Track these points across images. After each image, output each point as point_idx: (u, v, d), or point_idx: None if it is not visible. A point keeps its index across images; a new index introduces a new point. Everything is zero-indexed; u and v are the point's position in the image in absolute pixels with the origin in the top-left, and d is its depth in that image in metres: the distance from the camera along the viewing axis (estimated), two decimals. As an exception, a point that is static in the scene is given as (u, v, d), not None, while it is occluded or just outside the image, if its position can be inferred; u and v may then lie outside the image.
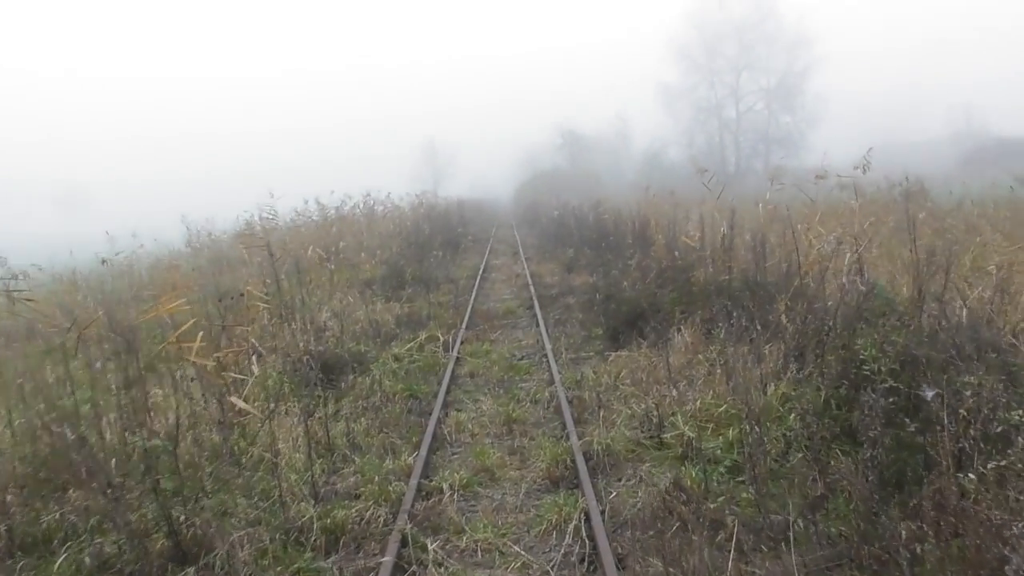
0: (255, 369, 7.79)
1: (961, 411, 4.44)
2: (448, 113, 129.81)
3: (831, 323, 6.78)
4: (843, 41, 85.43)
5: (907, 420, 4.73)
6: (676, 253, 12.78)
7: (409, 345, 10.91)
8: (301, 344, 9.31)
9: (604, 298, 12.09)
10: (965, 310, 6.39)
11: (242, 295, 9.55)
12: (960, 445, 4.33)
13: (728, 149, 66.31)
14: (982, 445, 4.31)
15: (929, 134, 69.08)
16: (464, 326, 12.42)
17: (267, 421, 6.36)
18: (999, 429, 4.35)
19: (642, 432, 6.86)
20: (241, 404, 6.60)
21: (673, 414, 6.83)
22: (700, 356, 8.58)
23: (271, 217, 17.69)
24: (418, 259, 20.43)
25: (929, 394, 4.44)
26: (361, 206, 23.01)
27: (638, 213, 18.99)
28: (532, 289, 15.91)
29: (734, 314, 8.70)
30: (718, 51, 64.90)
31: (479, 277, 18.60)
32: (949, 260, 6.65)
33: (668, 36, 65.50)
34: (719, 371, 7.81)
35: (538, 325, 12.26)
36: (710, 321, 9.25)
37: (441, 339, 11.29)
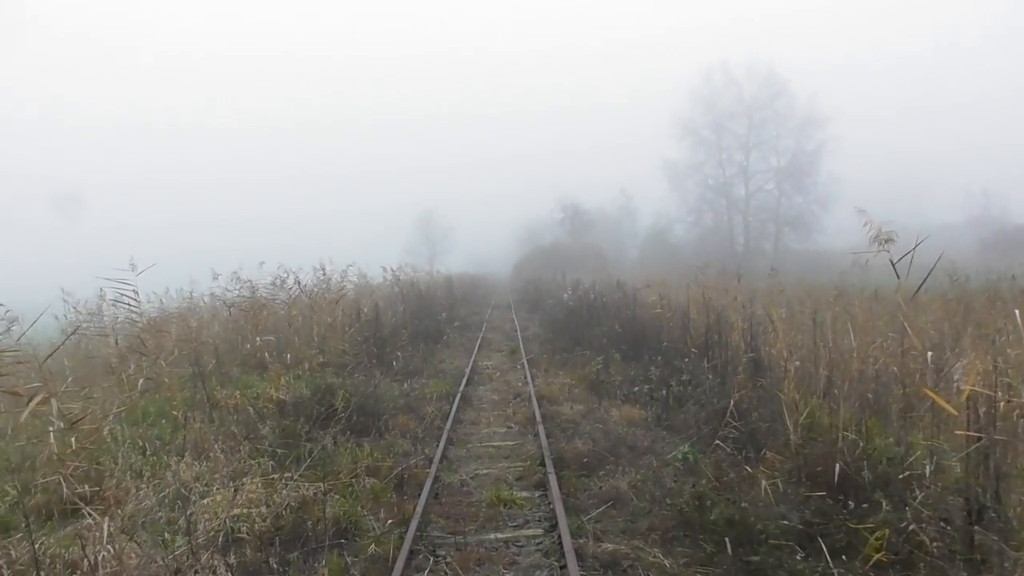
0: None
1: None
2: (448, 188, 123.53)
3: None
4: (858, 124, 79.42)
5: None
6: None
7: None
8: None
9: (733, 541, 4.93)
10: None
11: None
12: None
13: (737, 229, 59.97)
14: None
15: (943, 218, 62.97)
16: (402, 566, 5.28)
17: None
18: None
19: None
20: None
21: None
22: None
23: (130, 303, 10.55)
24: (372, 364, 13.32)
25: None
26: (304, 284, 15.95)
27: (705, 308, 11.93)
28: (543, 436, 8.75)
29: None
30: (726, 128, 59.17)
31: (458, 398, 11.42)
32: None
33: (674, 112, 59.27)
34: None
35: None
36: None
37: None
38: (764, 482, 5.12)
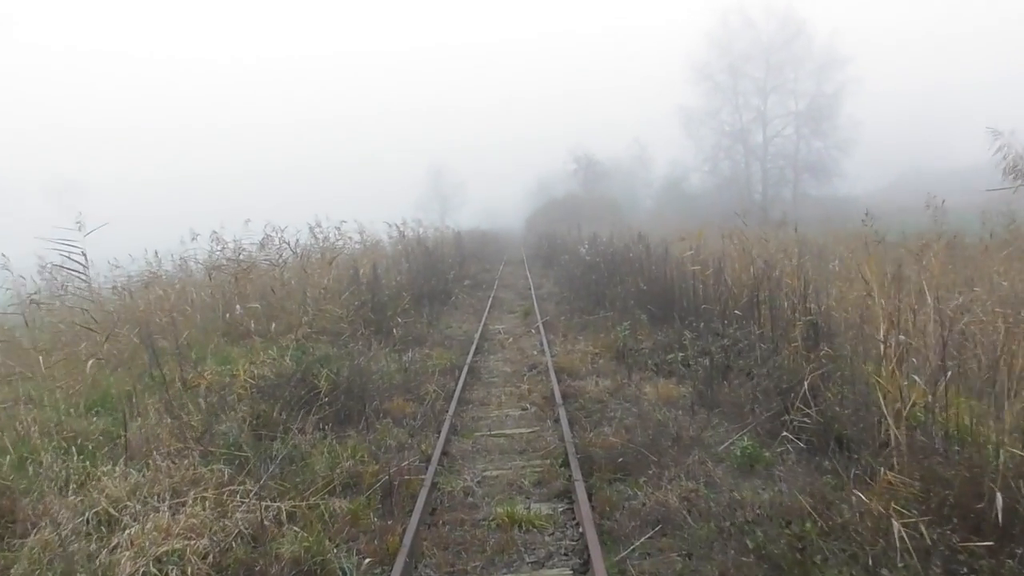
0: None
1: None
2: (458, 141, 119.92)
3: None
4: (879, 61, 74.50)
5: None
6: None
7: None
8: None
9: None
10: None
11: None
12: None
13: (754, 176, 57.42)
14: None
15: (970, 160, 59.91)
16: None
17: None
18: None
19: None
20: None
21: None
22: None
23: (79, 270, 8.86)
24: (369, 332, 11.72)
25: None
26: (297, 243, 14.27)
27: (748, 262, 10.19)
28: (565, 424, 7.13)
29: None
30: (743, 72, 56.09)
31: (464, 371, 9.82)
32: None
33: (689, 57, 56.39)
34: None
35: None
36: None
37: None
38: (896, 524, 3.48)
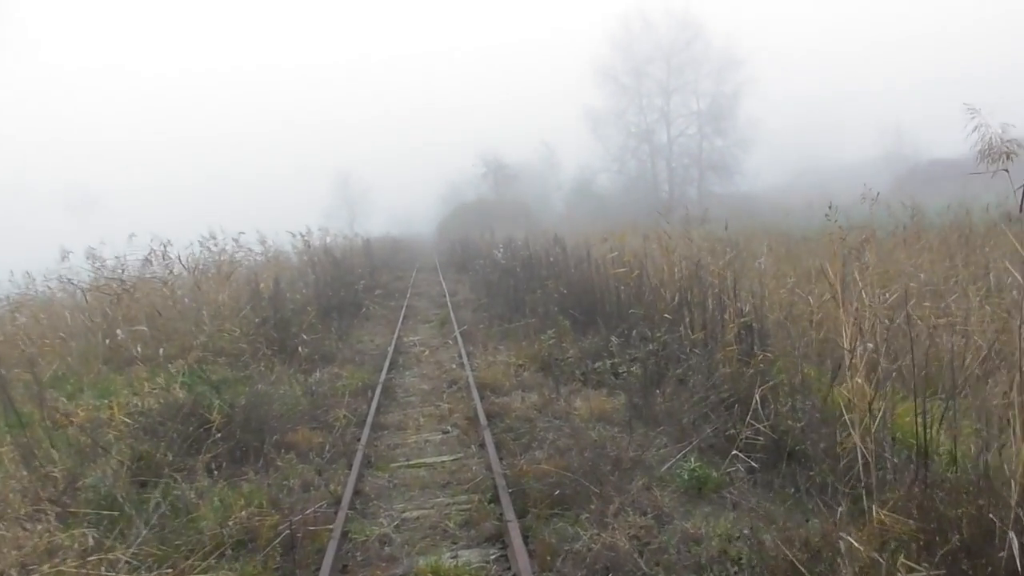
0: None
1: None
2: (365, 146, 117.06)
3: None
4: (772, 60, 77.25)
5: None
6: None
7: None
8: None
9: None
10: None
11: None
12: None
13: (660, 175, 58.32)
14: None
15: (861, 155, 62.71)
16: None
17: None
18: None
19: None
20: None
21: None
22: None
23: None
24: (272, 352, 10.67)
25: None
26: (189, 257, 13.02)
27: (670, 263, 9.68)
28: (493, 452, 6.40)
29: None
30: (646, 74, 56.95)
31: (378, 392, 8.96)
32: None
33: (593, 59, 56.94)
34: None
35: None
36: None
37: None
38: (902, 578, 2.91)
